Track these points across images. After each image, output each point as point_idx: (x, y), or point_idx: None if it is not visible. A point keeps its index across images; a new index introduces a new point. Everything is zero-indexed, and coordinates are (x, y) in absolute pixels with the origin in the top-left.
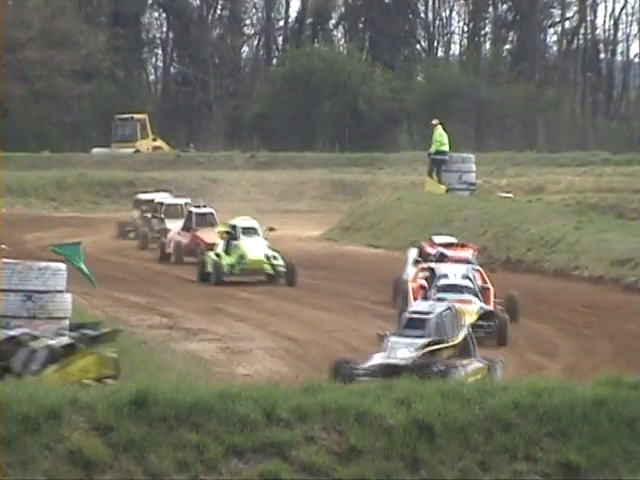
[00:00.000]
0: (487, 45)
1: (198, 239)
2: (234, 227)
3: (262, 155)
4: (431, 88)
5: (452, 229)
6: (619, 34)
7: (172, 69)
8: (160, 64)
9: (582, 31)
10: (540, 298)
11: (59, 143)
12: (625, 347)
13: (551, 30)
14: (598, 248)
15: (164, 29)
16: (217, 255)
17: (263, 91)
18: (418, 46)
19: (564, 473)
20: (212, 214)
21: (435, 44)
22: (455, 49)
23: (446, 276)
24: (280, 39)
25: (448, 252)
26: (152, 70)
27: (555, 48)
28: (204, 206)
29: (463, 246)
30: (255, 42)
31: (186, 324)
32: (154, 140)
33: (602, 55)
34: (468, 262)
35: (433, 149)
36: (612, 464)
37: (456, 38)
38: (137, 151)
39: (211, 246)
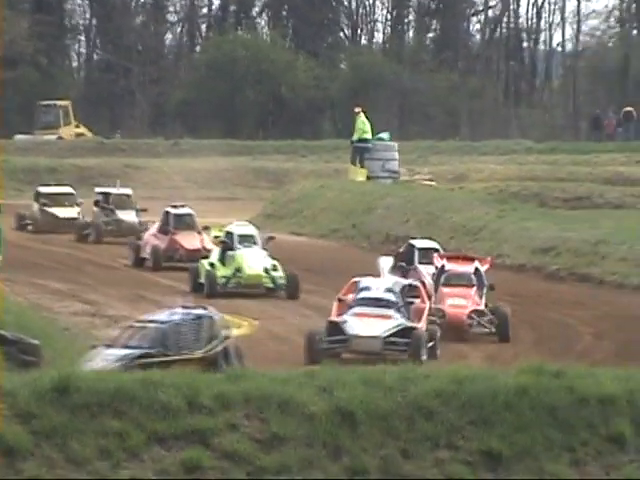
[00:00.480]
0: (410, 33)
1: (177, 244)
2: (230, 234)
3: (185, 142)
4: (354, 76)
5: (375, 217)
6: (542, 23)
7: (95, 56)
8: (83, 51)
9: (505, 20)
10: None
11: None
12: (547, 335)
13: (474, 19)
14: (520, 236)
15: (87, 15)
16: (211, 265)
17: (187, 78)
18: (342, 34)
19: (486, 461)
20: (191, 215)
21: (358, 32)
22: (378, 37)
23: (367, 289)
24: (203, 26)
25: (448, 265)
26: (75, 57)
27: (478, 37)
28: (182, 206)
29: (467, 259)
30: (178, 29)
31: (109, 311)
32: (77, 127)
33: (525, 44)
34: (469, 278)
35: (356, 137)
36: (534, 452)
37: (379, 26)
38: (60, 138)
39: (191, 252)
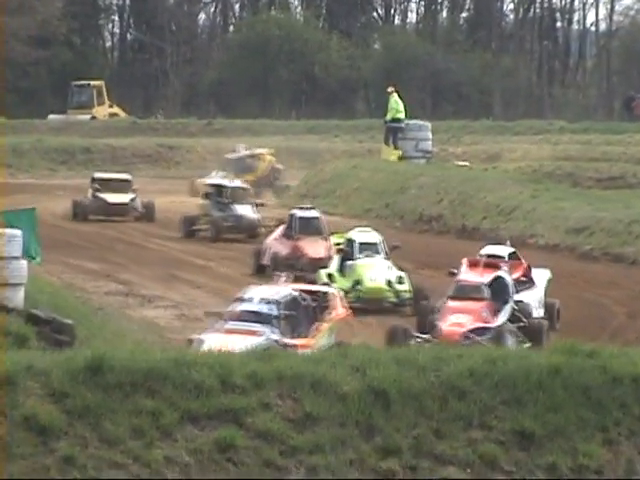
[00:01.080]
0: (444, 13)
1: (300, 251)
2: (350, 242)
3: (218, 122)
4: (388, 56)
5: (408, 197)
6: (575, 2)
7: (129, 36)
8: (117, 31)
9: None
10: None
11: (15, 109)
12: (580, 315)
13: None
14: (554, 216)
15: None
16: (329, 276)
17: (220, 58)
18: (375, 14)
19: (519, 441)
20: (318, 219)
21: (392, 12)
22: (412, 17)
23: (248, 300)
24: (237, 6)
25: (464, 274)
26: (109, 37)
27: (511, 16)
28: (309, 208)
29: (491, 266)
30: (212, 9)
31: (142, 291)
32: (110, 107)
33: (558, 24)
34: (480, 290)
35: (389, 117)
36: (566, 432)
37: (413, 6)
38: (94, 118)
39: (315, 261)
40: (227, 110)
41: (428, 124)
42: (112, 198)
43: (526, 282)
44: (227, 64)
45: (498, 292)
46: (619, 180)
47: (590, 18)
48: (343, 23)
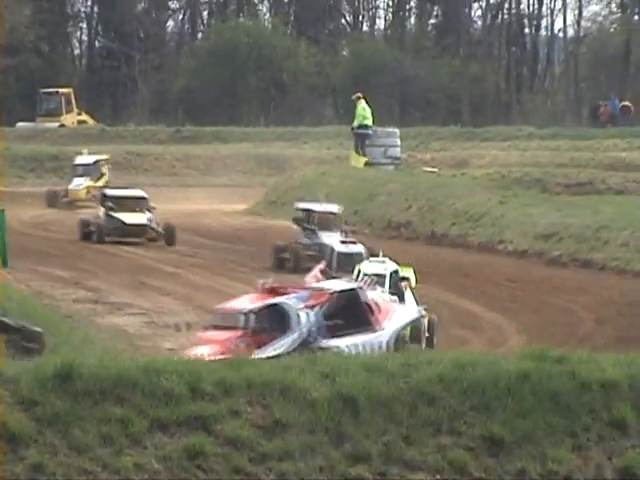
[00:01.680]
0: (412, 20)
1: None
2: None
3: (187, 129)
4: (356, 62)
5: (377, 203)
6: (543, 9)
7: (97, 43)
8: (85, 38)
9: (506, 5)
10: (465, 272)
11: None
12: (549, 321)
13: (476, 5)
14: (522, 222)
15: (89, 3)
16: None
17: (188, 65)
18: (343, 20)
19: (488, 446)
20: (361, 254)
21: (360, 19)
22: (380, 24)
23: None
24: (205, 13)
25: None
26: (77, 44)
27: (480, 22)
28: (352, 242)
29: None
30: (180, 16)
31: (111, 298)
32: (79, 114)
33: (527, 30)
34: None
35: (356, 123)
36: (535, 437)
37: (381, 12)
38: (62, 125)
39: None
40: (196, 117)
41: (396, 130)
42: (129, 218)
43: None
44: (196, 71)
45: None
46: (587, 186)
47: (558, 24)
48: (311, 30)
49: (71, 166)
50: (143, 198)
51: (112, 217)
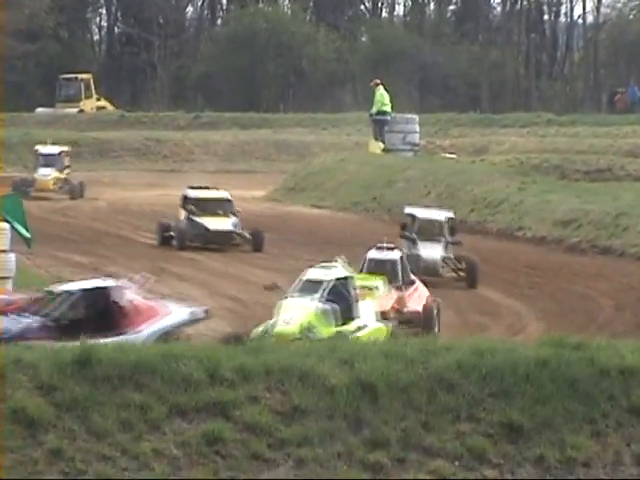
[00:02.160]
0: (431, 6)
1: None
2: None
3: (206, 115)
4: (375, 49)
5: (395, 189)
6: None
7: (116, 29)
8: (104, 24)
9: None
10: (483, 259)
11: (3, 103)
12: (568, 307)
13: None
14: (541, 209)
15: None
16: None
17: (207, 51)
18: (362, 7)
19: (507, 433)
20: (395, 262)
21: (379, 5)
22: (399, 10)
23: None
24: None
25: None
26: (96, 30)
27: (499, 9)
28: (389, 248)
29: None
30: (199, 2)
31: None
32: (98, 100)
33: (546, 16)
34: None
35: (374, 110)
36: (554, 424)
37: None
38: (81, 111)
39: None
40: (215, 103)
41: (415, 117)
42: (213, 224)
43: None
44: (215, 57)
45: None
46: (607, 172)
47: (577, 11)
48: (330, 16)
49: (35, 155)
50: (228, 200)
51: (194, 222)
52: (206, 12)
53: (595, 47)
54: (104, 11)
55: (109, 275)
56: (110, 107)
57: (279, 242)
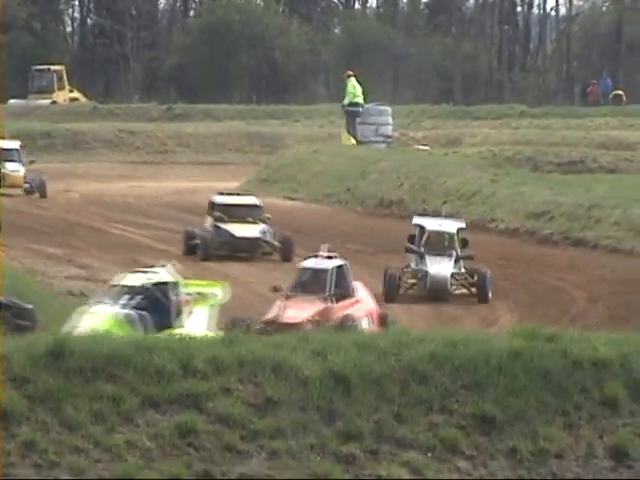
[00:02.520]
0: None
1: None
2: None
3: (179, 107)
4: (348, 41)
5: (369, 181)
6: None
7: (89, 20)
8: (77, 15)
9: None
10: None
11: None
12: (541, 299)
13: None
14: (514, 201)
15: None
16: None
17: (180, 43)
18: None
19: (479, 425)
20: (326, 272)
21: None
22: (372, 2)
23: None
24: None
25: None
26: (69, 21)
27: (472, 1)
28: (328, 257)
29: None
30: None
31: (103, 275)
32: (71, 92)
33: (519, 8)
34: None
35: (346, 101)
36: (527, 416)
37: None
38: (54, 102)
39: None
40: (187, 95)
41: (388, 108)
42: (240, 231)
43: None
44: (187, 49)
45: None
46: (579, 164)
47: (550, 2)
48: (303, 8)
49: None
50: (256, 206)
51: (220, 229)
52: (178, 3)
53: (568, 39)
54: (77, 2)
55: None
56: (83, 99)
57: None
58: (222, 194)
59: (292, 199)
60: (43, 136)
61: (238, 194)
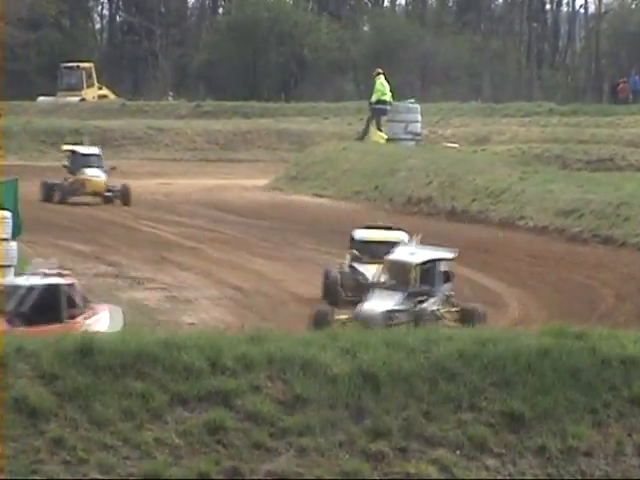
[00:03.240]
0: None
1: None
2: None
3: (208, 104)
4: (377, 38)
5: (397, 179)
6: None
7: (118, 18)
8: (106, 13)
9: None
10: (485, 248)
11: (4, 91)
12: (569, 297)
13: None
14: (543, 198)
15: None
16: None
17: (209, 40)
18: None
19: (508, 423)
20: None
21: None
22: (401, 0)
23: None
24: None
25: None
26: (98, 19)
27: None
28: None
29: None
30: None
31: (132, 273)
32: (100, 89)
33: (548, 6)
34: None
35: (374, 98)
36: (556, 414)
37: None
38: (83, 100)
39: None
40: (216, 92)
41: (417, 106)
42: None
43: None
44: (216, 46)
45: None
46: (608, 162)
47: (579, 0)
48: (332, 5)
49: (71, 156)
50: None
51: (356, 270)
52: (208, 1)
53: (597, 37)
54: (106, 0)
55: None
56: (112, 96)
57: (281, 231)
58: (369, 228)
59: (320, 196)
60: (72, 133)
61: (390, 228)
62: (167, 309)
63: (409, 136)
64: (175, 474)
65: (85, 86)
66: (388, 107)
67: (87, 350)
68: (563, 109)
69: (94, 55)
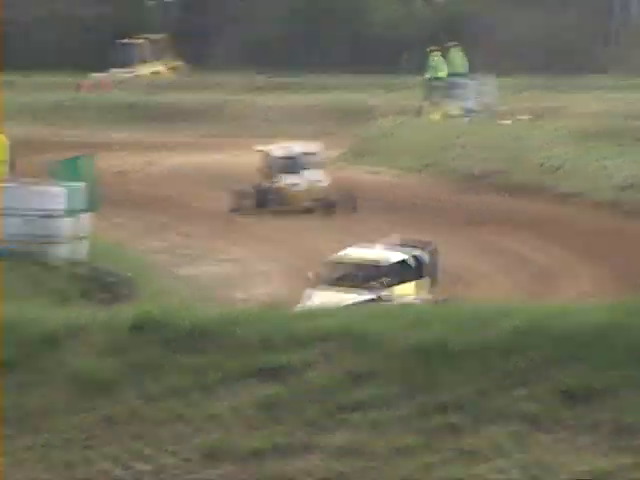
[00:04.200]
0: None
1: None
2: None
3: (268, 79)
4: (445, 11)
5: (453, 155)
6: None
7: None
8: None
9: None
10: (543, 224)
11: (64, 66)
12: (628, 272)
13: None
14: (599, 175)
15: None
16: None
17: (274, 14)
18: None
19: (565, 399)
20: None
21: None
22: None
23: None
24: None
25: None
26: None
27: None
28: None
29: None
30: None
31: (190, 249)
32: (167, 63)
33: None
34: None
35: (429, 75)
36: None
37: None
38: (137, 76)
39: None
40: (277, 67)
41: (474, 82)
42: None
43: None
44: (279, 21)
45: None
46: None
47: None
48: None
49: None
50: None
51: None
52: None
53: None
54: None
55: None
56: (166, 72)
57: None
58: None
59: (377, 172)
60: (126, 108)
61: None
62: (222, 285)
63: (477, 110)
64: (228, 450)
65: (143, 61)
66: (442, 84)
67: (141, 325)
68: (625, 84)
69: (162, 28)
